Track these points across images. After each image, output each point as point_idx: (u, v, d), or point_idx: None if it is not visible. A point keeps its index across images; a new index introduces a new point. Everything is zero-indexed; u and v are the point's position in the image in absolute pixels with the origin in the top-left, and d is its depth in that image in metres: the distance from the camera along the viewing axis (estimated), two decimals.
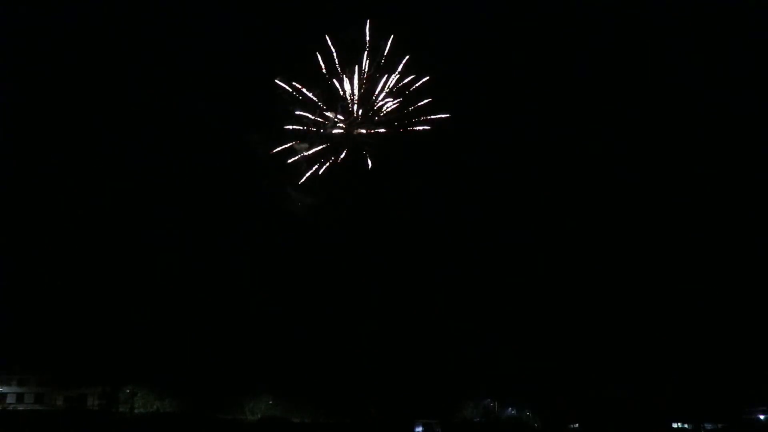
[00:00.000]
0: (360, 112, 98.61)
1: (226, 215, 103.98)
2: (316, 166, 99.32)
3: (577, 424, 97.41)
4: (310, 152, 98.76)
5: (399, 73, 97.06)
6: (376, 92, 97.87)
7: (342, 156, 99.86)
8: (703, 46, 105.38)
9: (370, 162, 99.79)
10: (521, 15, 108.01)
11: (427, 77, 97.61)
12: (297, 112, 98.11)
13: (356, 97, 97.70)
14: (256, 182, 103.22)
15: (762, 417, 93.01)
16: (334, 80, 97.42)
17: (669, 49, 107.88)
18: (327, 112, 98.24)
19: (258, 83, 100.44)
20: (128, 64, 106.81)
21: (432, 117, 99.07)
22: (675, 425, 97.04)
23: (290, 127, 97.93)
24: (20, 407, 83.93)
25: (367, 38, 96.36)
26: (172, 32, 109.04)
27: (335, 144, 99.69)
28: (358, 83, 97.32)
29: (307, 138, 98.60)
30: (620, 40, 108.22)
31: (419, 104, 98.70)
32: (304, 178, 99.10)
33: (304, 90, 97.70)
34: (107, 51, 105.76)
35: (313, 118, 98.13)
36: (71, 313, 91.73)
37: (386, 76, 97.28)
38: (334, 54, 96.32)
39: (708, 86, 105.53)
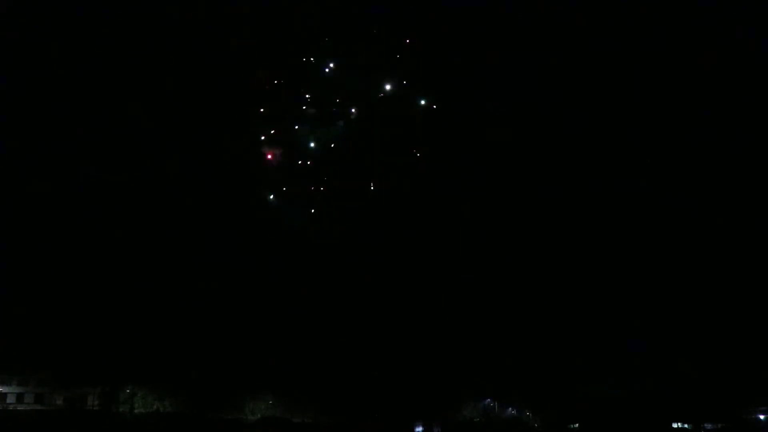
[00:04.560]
0: None
1: (225, 214, 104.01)
2: None
3: (577, 424, 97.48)
4: None
5: None
6: None
7: None
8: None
9: None
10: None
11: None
12: None
13: None
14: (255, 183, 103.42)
15: (762, 417, 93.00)
16: None
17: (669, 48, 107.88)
18: None
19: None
20: (124, 63, 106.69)
21: None
22: (675, 425, 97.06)
23: None
24: (20, 407, 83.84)
25: None
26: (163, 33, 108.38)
27: None
28: None
29: None
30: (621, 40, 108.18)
31: None
32: None
33: None
34: (102, 51, 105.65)
35: None
36: (71, 313, 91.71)
37: None
38: None
39: (708, 85, 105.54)
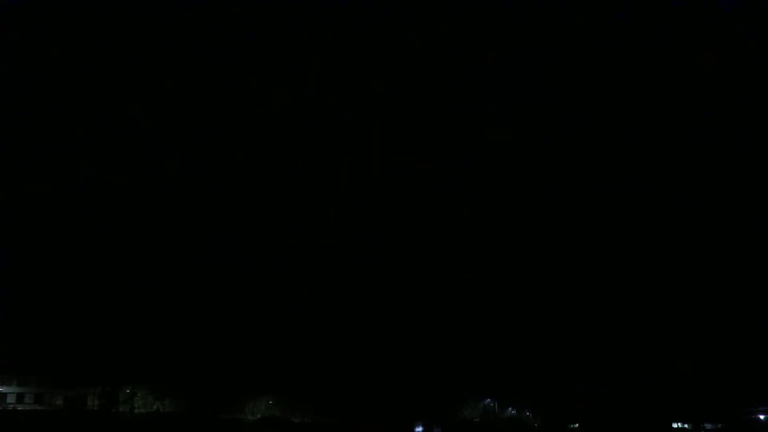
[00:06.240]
0: None
1: (225, 215, 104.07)
2: None
3: (577, 424, 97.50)
4: None
5: None
6: None
7: None
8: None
9: None
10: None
11: None
12: None
13: None
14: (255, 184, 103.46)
15: (762, 417, 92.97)
16: None
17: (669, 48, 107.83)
18: None
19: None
20: (125, 63, 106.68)
21: None
22: (675, 425, 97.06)
23: None
24: (20, 407, 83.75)
25: None
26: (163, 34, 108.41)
27: None
28: None
29: None
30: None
31: None
32: None
33: None
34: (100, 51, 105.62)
35: None
36: (71, 312, 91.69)
37: None
38: None
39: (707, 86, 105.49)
